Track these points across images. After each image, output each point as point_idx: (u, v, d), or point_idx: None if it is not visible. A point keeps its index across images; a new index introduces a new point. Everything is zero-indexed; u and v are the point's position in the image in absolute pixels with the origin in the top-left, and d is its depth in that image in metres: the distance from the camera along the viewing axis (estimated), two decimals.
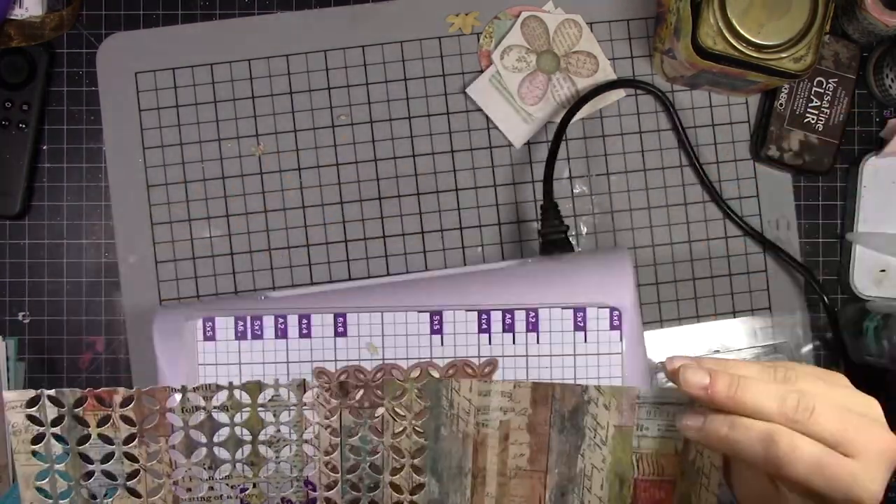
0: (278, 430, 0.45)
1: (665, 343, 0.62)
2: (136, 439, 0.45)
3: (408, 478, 0.46)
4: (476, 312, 0.52)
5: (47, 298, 0.62)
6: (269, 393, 0.45)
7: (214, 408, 0.45)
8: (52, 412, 0.44)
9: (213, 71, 0.63)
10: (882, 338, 0.56)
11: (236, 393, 0.45)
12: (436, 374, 0.51)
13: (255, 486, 0.46)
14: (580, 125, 0.63)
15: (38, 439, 0.44)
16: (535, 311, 0.51)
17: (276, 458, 0.46)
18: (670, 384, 0.41)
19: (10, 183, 0.61)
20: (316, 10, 0.63)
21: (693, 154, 0.62)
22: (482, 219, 0.63)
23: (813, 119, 0.61)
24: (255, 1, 0.63)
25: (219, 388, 0.45)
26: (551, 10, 0.63)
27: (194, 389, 0.44)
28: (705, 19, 0.53)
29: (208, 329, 0.52)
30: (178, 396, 0.44)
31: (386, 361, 0.51)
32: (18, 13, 0.62)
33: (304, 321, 0.52)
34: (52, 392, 0.44)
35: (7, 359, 0.61)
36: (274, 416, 0.45)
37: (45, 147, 0.63)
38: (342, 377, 0.51)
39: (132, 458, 0.45)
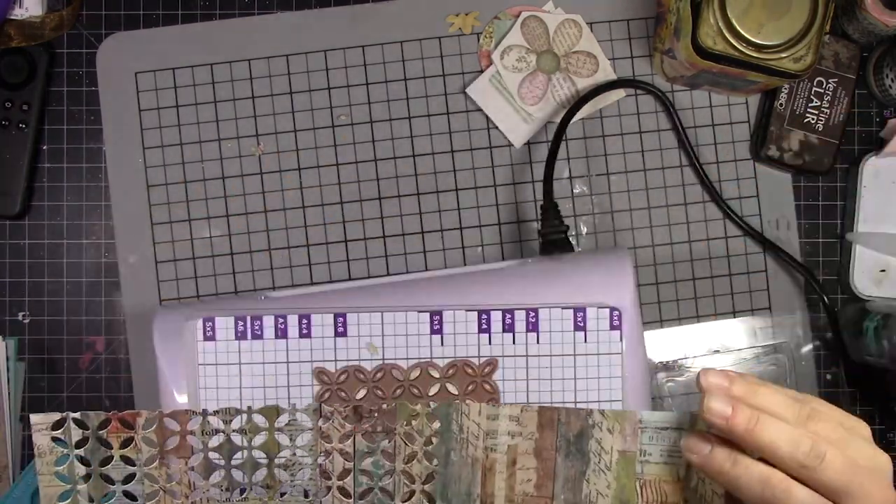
0: (294, 454, 0.46)
1: (665, 343, 0.62)
2: (157, 461, 0.45)
3: None
4: (476, 312, 0.52)
5: (47, 298, 0.62)
6: (285, 418, 0.46)
7: (234, 431, 0.46)
8: (76, 434, 0.44)
9: (213, 71, 0.63)
10: (882, 338, 0.56)
11: (255, 417, 0.46)
12: (436, 374, 0.51)
13: None
14: (580, 125, 0.63)
15: (61, 461, 0.45)
16: (535, 311, 0.51)
17: (292, 481, 0.46)
18: (670, 400, 0.42)
19: (10, 183, 0.61)
20: (316, 10, 0.63)
21: (693, 154, 0.62)
22: (482, 219, 0.63)
23: (813, 119, 0.61)
24: (255, 1, 0.63)
25: (237, 411, 0.46)
26: (551, 10, 0.63)
27: (214, 413, 0.45)
28: (705, 19, 0.53)
29: (208, 329, 0.52)
30: (198, 419, 0.45)
31: (386, 361, 0.51)
32: (18, 13, 0.62)
33: (304, 321, 0.52)
34: (77, 415, 0.44)
35: (7, 359, 0.61)
36: (290, 440, 0.46)
37: (45, 147, 0.63)
38: (342, 377, 0.51)
39: (152, 478, 0.46)
